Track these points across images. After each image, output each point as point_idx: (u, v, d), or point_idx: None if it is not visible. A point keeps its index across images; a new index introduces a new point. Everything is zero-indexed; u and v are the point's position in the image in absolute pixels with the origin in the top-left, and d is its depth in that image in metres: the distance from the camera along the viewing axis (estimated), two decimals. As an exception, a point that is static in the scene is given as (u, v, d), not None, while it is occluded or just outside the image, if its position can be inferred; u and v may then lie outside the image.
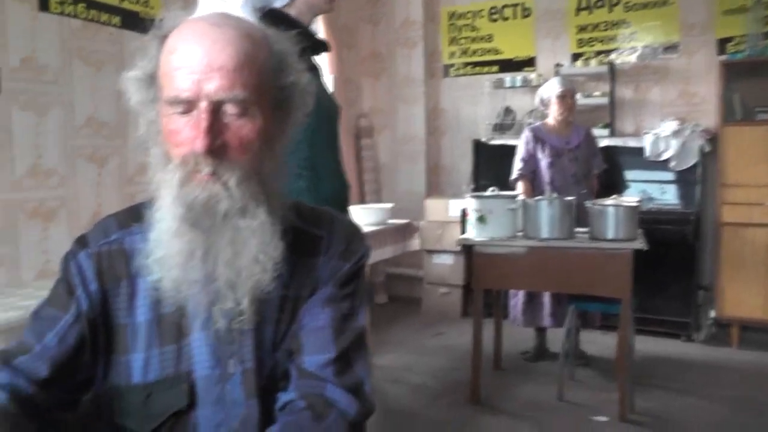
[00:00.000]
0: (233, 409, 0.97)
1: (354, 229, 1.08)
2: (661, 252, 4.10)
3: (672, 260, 4.30)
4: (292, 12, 1.85)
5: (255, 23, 0.96)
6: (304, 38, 1.79)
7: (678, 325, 4.35)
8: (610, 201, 3.17)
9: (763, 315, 4.16)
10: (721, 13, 4.72)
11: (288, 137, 0.99)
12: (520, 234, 3.21)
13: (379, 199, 5.43)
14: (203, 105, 0.86)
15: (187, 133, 0.87)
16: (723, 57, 4.54)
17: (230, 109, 0.87)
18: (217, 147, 0.86)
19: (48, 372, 0.93)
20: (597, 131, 4.69)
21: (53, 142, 2.86)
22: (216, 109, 0.87)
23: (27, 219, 2.75)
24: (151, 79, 0.92)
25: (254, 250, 0.90)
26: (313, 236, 1.02)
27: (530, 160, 3.86)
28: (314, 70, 1.86)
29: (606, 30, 5.07)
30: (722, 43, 4.71)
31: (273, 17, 1.75)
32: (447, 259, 4.97)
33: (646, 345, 4.09)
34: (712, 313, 4.40)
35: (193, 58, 0.86)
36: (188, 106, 0.87)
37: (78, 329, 0.96)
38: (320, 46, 1.91)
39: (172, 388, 0.96)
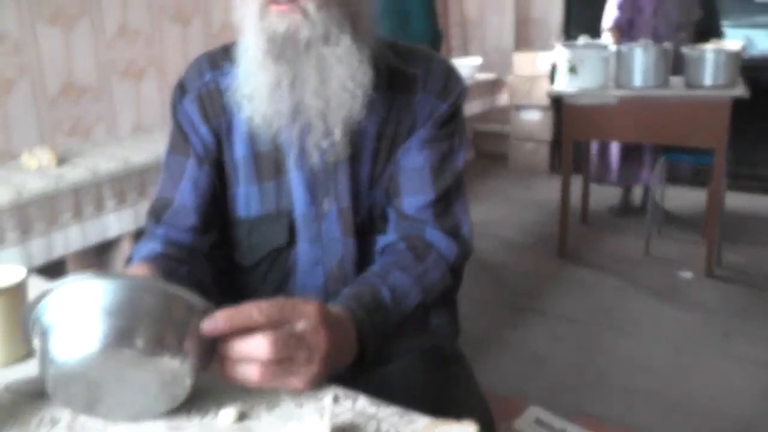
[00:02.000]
0: (331, 247, 0.99)
1: (451, 68, 1.04)
2: (763, 103, 3.88)
3: (774, 110, 4.07)
4: None
5: None
6: None
7: None
8: (708, 46, 3.01)
9: None
10: None
11: None
12: (612, 84, 3.13)
13: (466, 54, 5.32)
14: None
15: None
16: None
17: None
18: None
19: (195, 219, 0.99)
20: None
21: (139, 2, 2.95)
22: None
23: (120, 78, 2.91)
24: None
25: (342, 76, 0.88)
26: (409, 74, 0.99)
27: (628, 8, 3.65)
28: None
29: None
30: None
31: None
32: (535, 115, 4.89)
33: (738, 200, 4.00)
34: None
35: None
36: None
37: (205, 171, 1.00)
38: None
39: (272, 224, 0.99)
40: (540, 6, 5.38)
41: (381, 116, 0.96)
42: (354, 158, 0.97)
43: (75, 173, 2.11)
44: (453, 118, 1.01)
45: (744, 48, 3.74)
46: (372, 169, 0.99)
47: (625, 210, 3.95)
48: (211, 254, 1.02)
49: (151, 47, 3.04)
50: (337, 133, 0.91)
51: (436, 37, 2.02)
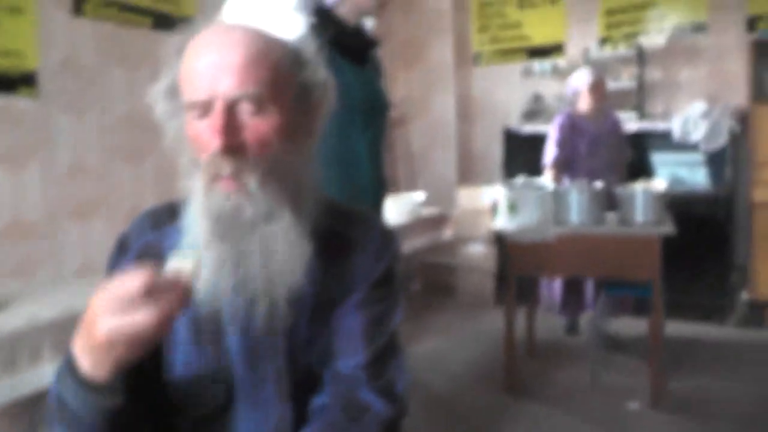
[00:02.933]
0: (269, 411, 0.99)
1: (387, 230, 1.07)
2: (693, 234, 4.16)
3: (704, 242, 4.32)
4: (342, 10, 1.92)
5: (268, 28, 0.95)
6: (348, 37, 1.93)
7: (711, 307, 4.36)
8: (638, 185, 3.21)
9: None
10: (751, -10, 4.69)
11: (314, 133, 0.99)
12: (551, 221, 3.27)
13: (413, 188, 5.52)
14: (218, 105, 0.86)
15: (207, 136, 0.87)
16: (753, 35, 4.52)
17: (245, 106, 0.87)
18: (235, 146, 0.86)
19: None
20: (626, 115, 4.71)
21: (91, 141, 2.99)
22: (231, 108, 0.87)
23: (67, 217, 2.90)
24: (174, 89, 0.93)
25: (284, 251, 0.90)
26: (346, 237, 1.02)
27: (565, 147, 3.89)
28: (358, 65, 1.97)
29: (634, 12, 5.07)
30: (752, 21, 4.68)
31: (321, 16, 1.85)
32: (480, 247, 5.04)
33: (679, 329, 4.11)
34: (745, 295, 4.40)
35: (206, 61, 0.87)
36: (205, 108, 0.87)
37: None
38: (368, 45, 2.02)
39: (210, 386, 0.98)
40: (482, 141, 5.70)
41: (319, 281, 0.98)
42: (292, 323, 0.97)
43: (12, 321, 2.05)
44: (387, 279, 1.03)
45: (668, 187, 4.03)
46: (309, 333, 1.00)
47: (572, 339, 4.02)
48: (144, 416, 0.98)
49: (101, 186, 3.06)
50: (280, 304, 0.92)
51: (381, 183, 2.08)
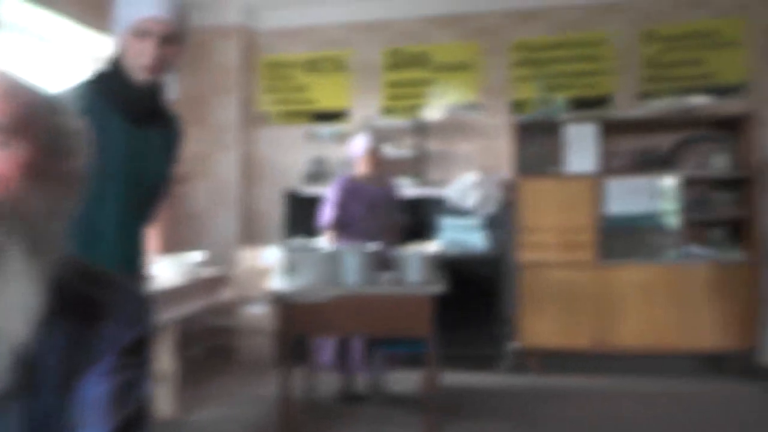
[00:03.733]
0: None
1: (142, 297, 1.02)
2: (467, 291, 4.49)
3: (477, 298, 4.67)
4: (127, 64, 1.81)
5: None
6: (127, 95, 1.77)
7: (484, 358, 4.70)
8: (412, 248, 3.30)
9: (557, 343, 4.62)
10: (514, 79, 5.23)
11: (66, 183, 0.93)
12: (328, 282, 3.24)
13: (194, 248, 5.24)
14: None
15: None
16: (516, 117, 5.00)
17: None
18: None
19: None
20: (406, 181, 4.96)
21: None
22: None
23: None
24: None
25: (12, 298, 0.82)
26: (97, 302, 0.95)
27: (341, 209, 3.93)
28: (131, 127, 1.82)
29: (415, 87, 5.40)
30: (516, 105, 5.19)
31: (112, 68, 1.81)
32: (261, 308, 4.89)
33: (455, 379, 4.31)
34: (514, 345, 4.75)
35: None
36: None
37: None
38: (151, 107, 1.88)
39: None
40: (265, 202, 5.60)
41: (64, 346, 0.90)
42: (30, 391, 0.88)
43: None
44: (139, 347, 0.98)
45: (446, 249, 4.21)
46: (51, 403, 0.90)
47: (349, 398, 3.98)
48: None
49: None
50: (6, 361, 0.82)
51: (128, 262, 1.86)
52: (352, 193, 3.95)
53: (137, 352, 0.98)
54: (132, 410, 0.95)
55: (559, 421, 3.60)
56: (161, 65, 1.78)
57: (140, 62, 1.76)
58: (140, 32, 1.74)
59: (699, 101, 4.75)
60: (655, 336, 4.52)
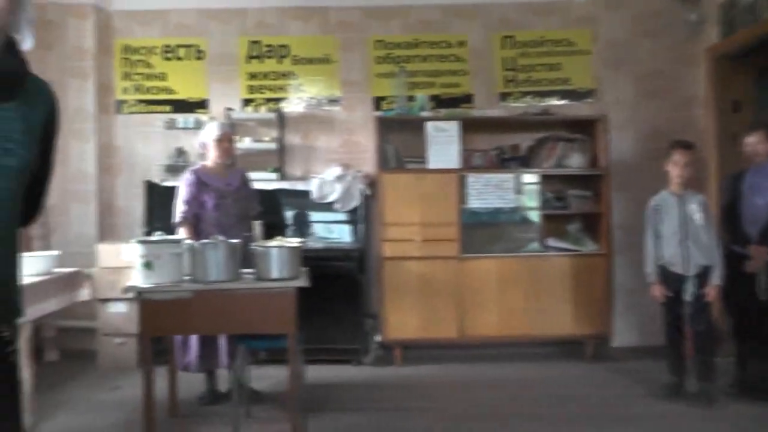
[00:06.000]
0: None
1: None
2: (331, 286, 4.56)
3: (340, 293, 4.74)
4: None
5: None
6: None
7: (348, 351, 4.79)
8: (273, 243, 3.35)
9: (421, 335, 4.82)
10: (375, 75, 5.39)
11: None
12: (188, 278, 3.23)
13: (47, 246, 4.98)
14: None
15: None
16: (378, 113, 5.16)
17: None
18: None
19: None
20: (266, 175, 5.00)
21: None
22: None
23: None
24: None
25: None
26: None
27: (193, 203, 3.86)
28: None
29: (275, 79, 5.42)
30: (378, 101, 5.36)
31: None
32: (122, 308, 4.73)
33: (319, 373, 4.37)
34: (378, 338, 4.91)
35: None
36: None
37: None
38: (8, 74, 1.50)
39: None
40: (123, 195, 5.41)
41: None
42: None
43: None
44: None
45: (309, 243, 4.27)
46: None
47: (213, 398, 3.96)
48: None
49: None
50: None
51: None
52: (201, 186, 3.87)
53: None
54: None
55: (422, 411, 3.78)
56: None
57: None
58: None
59: (554, 103, 5.15)
60: (515, 325, 4.82)
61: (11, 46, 1.52)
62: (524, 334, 4.87)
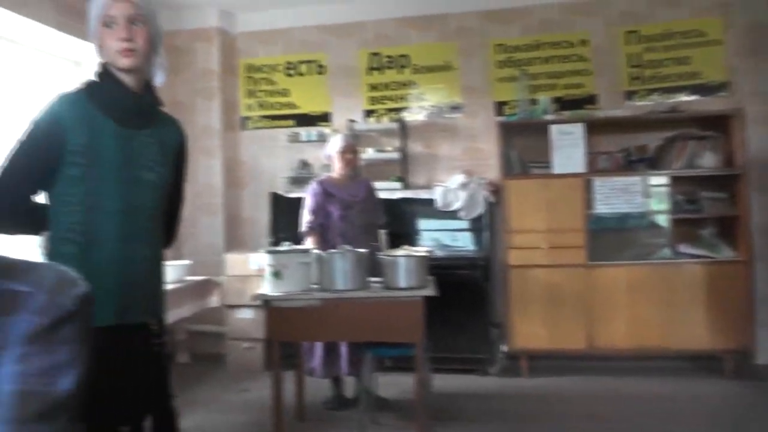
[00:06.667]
0: None
1: (64, 278, 0.94)
2: (456, 294, 4.43)
3: (466, 301, 4.62)
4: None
5: None
6: (113, 95, 1.80)
7: (474, 360, 4.65)
8: (401, 252, 3.29)
9: (548, 345, 4.61)
10: (496, 80, 5.25)
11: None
12: (315, 287, 3.23)
13: (179, 255, 5.19)
14: None
15: None
16: (500, 118, 5.01)
17: None
18: None
19: None
20: (389, 184, 4.96)
21: None
22: None
23: None
24: None
25: None
26: (13, 293, 0.89)
27: (319, 213, 3.91)
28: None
29: (396, 89, 5.41)
30: (499, 106, 5.20)
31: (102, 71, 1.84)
32: (249, 314, 4.86)
33: (446, 382, 4.29)
34: (504, 347, 4.75)
35: None
36: None
37: None
38: (142, 108, 1.90)
39: None
40: (249, 206, 5.57)
41: None
42: None
43: None
44: (52, 332, 0.89)
45: (432, 251, 4.18)
46: None
47: (339, 403, 3.97)
48: None
49: None
50: None
51: (129, 262, 1.88)
52: (327, 196, 3.93)
53: (50, 340, 0.90)
54: (38, 407, 0.87)
55: (550, 424, 3.61)
56: (135, 47, 1.80)
57: (115, 48, 1.79)
58: (108, 21, 1.79)
59: (684, 99, 4.79)
60: (646, 336, 4.50)
61: (147, 83, 1.90)
62: (656, 346, 4.53)
